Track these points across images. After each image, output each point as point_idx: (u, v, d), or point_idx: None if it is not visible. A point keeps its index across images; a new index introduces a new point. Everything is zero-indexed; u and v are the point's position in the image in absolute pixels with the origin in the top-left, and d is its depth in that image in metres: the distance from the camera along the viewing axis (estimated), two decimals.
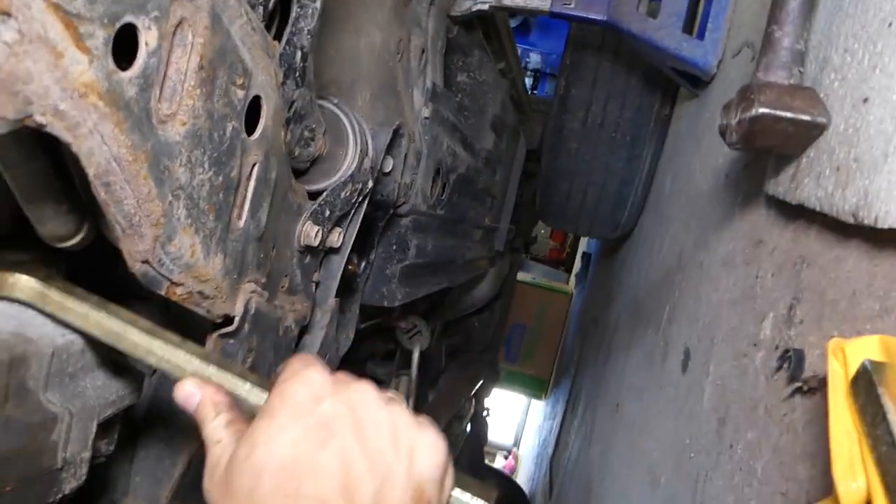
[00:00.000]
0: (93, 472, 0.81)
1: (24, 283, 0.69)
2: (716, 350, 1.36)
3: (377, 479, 0.55)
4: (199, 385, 0.64)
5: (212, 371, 0.69)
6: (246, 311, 0.88)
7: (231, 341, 0.88)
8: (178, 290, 0.73)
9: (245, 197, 0.82)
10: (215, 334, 0.86)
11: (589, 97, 2.76)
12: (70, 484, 0.73)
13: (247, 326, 0.90)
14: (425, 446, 0.59)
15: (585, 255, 5.95)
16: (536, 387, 6.37)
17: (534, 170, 3.82)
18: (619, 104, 2.73)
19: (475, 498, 0.65)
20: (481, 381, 4.45)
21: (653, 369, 1.89)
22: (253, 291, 0.90)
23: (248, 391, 0.68)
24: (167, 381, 0.97)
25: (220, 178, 0.74)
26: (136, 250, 0.65)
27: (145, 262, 0.66)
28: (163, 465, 0.97)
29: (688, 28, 2.07)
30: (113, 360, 0.83)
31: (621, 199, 2.99)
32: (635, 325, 2.40)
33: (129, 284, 0.97)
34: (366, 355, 2.43)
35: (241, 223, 0.82)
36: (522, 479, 6.23)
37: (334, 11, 1.40)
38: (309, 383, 0.59)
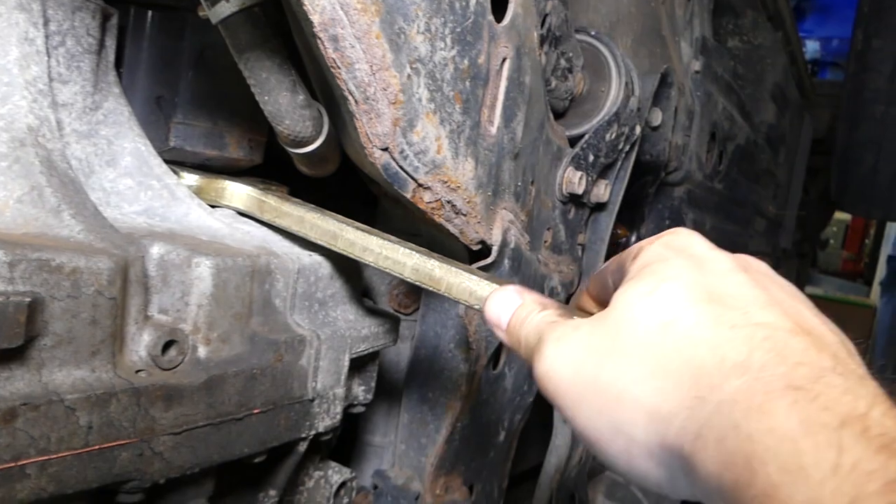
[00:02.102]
0: (360, 438, 0.74)
1: (242, 192, 0.69)
2: None
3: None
4: (520, 291, 0.53)
5: (434, 265, 0.59)
6: (504, 242, 0.76)
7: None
8: (426, 197, 0.63)
9: (496, 97, 0.70)
10: (472, 266, 0.75)
11: None
12: (323, 421, 0.65)
13: (506, 262, 0.78)
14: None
15: (892, 259, 5.07)
16: None
17: (821, 164, 3.34)
18: None
19: None
20: None
21: None
22: (511, 221, 0.78)
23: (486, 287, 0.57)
24: (427, 339, 0.89)
25: (466, 62, 0.63)
26: (374, 133, 0.56)
27: (385, 149, 0.57)
28: (426, 431, 0.88)
29: None
30: (364, 302, 0.76)
31: None
32: None
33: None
34: None
35: (494, 129, 0.71)
36: None
37: None
38: (689, 238, 0.48)
